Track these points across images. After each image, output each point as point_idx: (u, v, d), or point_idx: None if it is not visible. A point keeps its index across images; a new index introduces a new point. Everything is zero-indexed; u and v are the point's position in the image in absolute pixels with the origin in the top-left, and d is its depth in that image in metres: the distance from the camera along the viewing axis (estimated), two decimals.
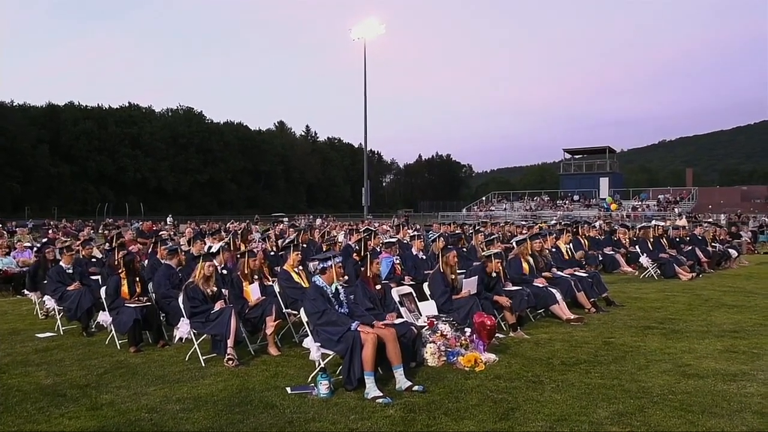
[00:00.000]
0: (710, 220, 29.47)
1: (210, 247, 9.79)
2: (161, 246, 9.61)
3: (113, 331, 7.72)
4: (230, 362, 6.51)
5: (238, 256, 8.27)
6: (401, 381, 5.60)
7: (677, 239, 16.35)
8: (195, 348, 6.90)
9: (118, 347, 7.55)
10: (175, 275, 8.36)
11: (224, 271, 8.51)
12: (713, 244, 17.47)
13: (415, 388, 5.51)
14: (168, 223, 36.89)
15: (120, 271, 8.06)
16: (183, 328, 7.02)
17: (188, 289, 7.12)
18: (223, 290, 7.52)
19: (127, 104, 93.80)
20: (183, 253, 9.19)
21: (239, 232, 13.32)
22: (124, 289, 7.79)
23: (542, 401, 5.18)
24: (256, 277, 7.80)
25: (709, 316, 9.25)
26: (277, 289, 8.07)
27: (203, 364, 6.64)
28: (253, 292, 7.48)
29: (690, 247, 15.89)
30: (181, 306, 7.08)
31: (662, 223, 19.62)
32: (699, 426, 4.58)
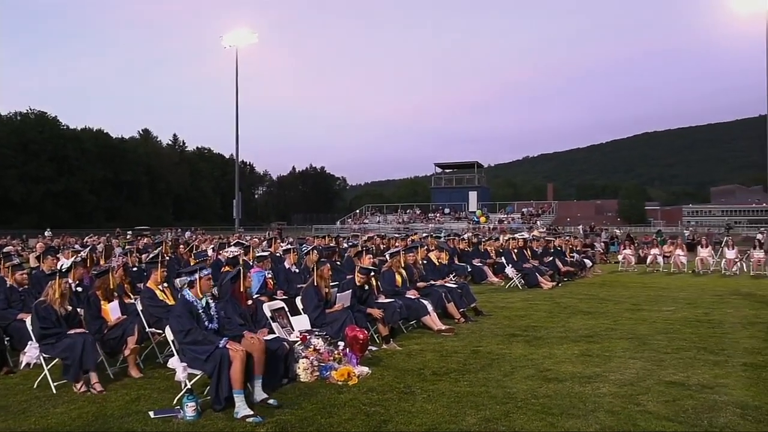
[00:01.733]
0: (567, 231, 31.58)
1: (63, 265, 9.03)
2: (5, 263, 8.69)
3: None
4: (89, 385, 6.00)
5: (95, 272, 7.69)
6: (257, 393, 5.50)
7: (539, 250, 17.37)
8: (45, 373, 6.28)
9: None
10: (15, 293, 7.61)
11: (79, 289, 7.88)
12: (571, 254, 18.76)
13: (270, 401, 5.41)
14: (46, 236, 33.84)
15: None
16: (31, 353, 6.37)
17: (39, 308, 6.47)
18: (78, 309, 6.95)
19: None
20: (25, 271, 8.34)
21: (99, 247, 12.45)
22: None
23: (414, 412, 5.23)
24: (115, 294, 7.28)
25: (568, 322, 9.87)
26: (139, 307, 7.59)
27: (54, 391, 6.07)
28: (112, 311, 6.96)
29: (551, 258, 16.94)
30: (30, 328, 6.43)
31: (527, 235, 20.80)
32: (558, 427, 4.82)
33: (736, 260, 19.62)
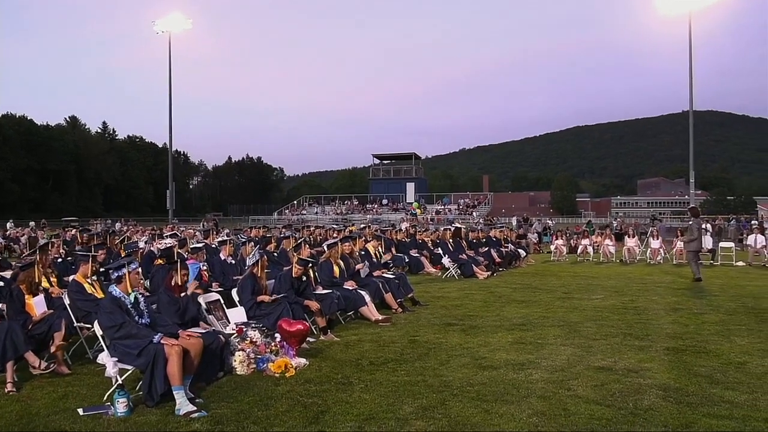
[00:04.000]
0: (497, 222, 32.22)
1: None
2: None
3: None
4: (9, 386, 5.73)
5: (18, 265, 7.35)
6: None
7: (474, 241, 17.69)
8: None
9: None
10: None
11: (0, 283, 7.50)
12: (506, 244, 19.18)
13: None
14: (8, 228, 31.83)
15: None
16: None
17: None
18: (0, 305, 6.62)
19: None
20: None
21: (23, 240, 11.89)
22: None
23: (351, 402, 5.25)
24: (41, 288, 6.98)
25: (502, 311, 10.09)
26: (66, 301, 7.30)
27: None
28: (37, 305, 6.67)
29: (486, 249, 17.28)
30: None
31: (462, 226, 21.12)
32: (492, 413, 4.93)
33: (660, 249, 20.56)
